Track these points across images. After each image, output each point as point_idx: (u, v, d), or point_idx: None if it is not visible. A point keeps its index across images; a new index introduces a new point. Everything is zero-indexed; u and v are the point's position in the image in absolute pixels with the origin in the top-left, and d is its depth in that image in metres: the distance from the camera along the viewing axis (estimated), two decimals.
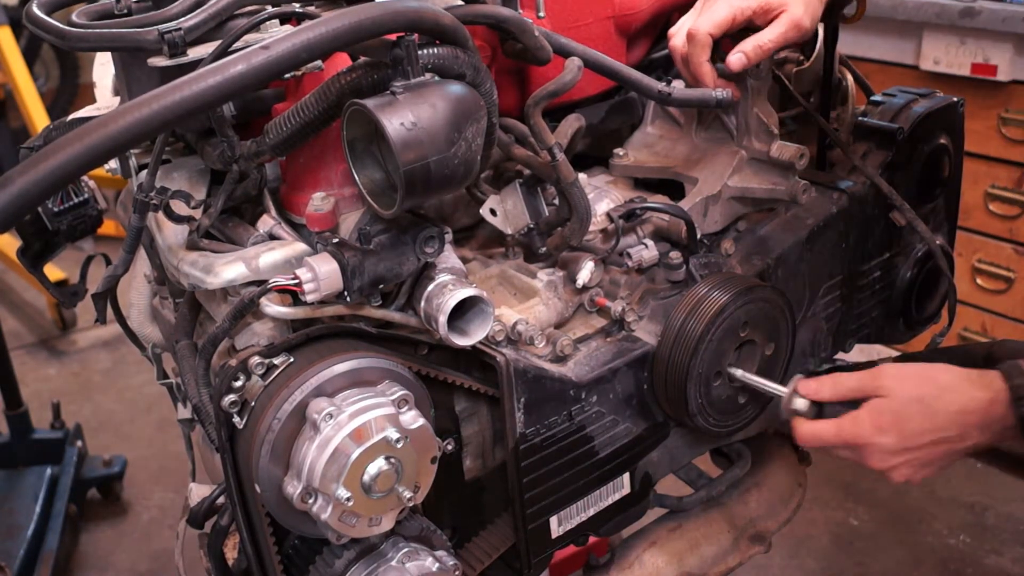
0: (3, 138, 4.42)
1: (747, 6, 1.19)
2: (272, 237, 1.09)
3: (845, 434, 1.14)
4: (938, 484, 2.75)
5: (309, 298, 0.98)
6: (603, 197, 1.29)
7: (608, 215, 1.24)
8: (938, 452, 1.12)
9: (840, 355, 1.49)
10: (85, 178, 1.29)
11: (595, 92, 1.35)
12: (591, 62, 1.16)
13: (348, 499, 0.92)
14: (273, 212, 1.11)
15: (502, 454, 1.16)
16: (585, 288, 1.19)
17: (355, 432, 0.91)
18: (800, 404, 1.18)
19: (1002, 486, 2.73)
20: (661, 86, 1.17)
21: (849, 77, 1.46)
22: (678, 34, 1.25)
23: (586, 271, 1.18)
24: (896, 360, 1.43)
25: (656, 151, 1.38)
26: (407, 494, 0.96)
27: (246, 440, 0.95)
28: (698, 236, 1.24)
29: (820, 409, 1.18)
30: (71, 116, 1.24)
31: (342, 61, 1.04)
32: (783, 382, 1.22)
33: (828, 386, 1.17)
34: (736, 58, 1.19)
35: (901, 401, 1.11)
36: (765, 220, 1.34)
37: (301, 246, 1.06)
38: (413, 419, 0.95)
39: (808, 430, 1.17)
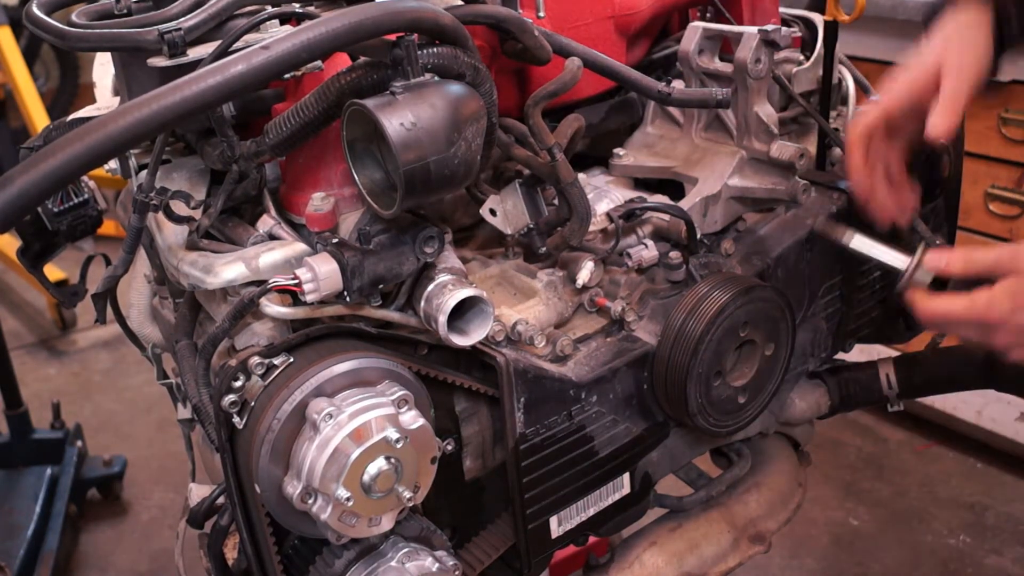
0: (3, 138, 4.42)
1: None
2: (272, 237, 1.09)
3: (978, 311, 1.07)
4: (938, 484, 2.75)
5: (309, 298, 0.98)
6: (603, 197, 1.29)
7: (608, 215, 1.24)
8: None
9: (840, 355, 1.49)
10: (85, 178, 1.29)
11: (595, 92, 1.35)
12: (591, 62, 1.16)
13: (348, 499, 0.92)
14: (273, 212, 1.11)
15: (502, 454, 1.16)
16: (585, 288, 1.19)
17: (355, 432, 0.91)
18: (925, 276, 1.13)
19: (1002, 486, 2.73)
20: (661, 86, 1.17)
21: (849, 77, 1.45)
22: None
23: (586, 271, 1.18)
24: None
25: (656, 151, 1.38)
26: (407, 494, 0.96)
27: (246, 440, 0.95)
28: (698, 236, 1.24)
29: (943, 282, 1.13)
30: (71, 116, 1.24)
31: (342, 61, 1.04)
32: (782, 382, 1.22)
33: (960, 261, 1.11)
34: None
35: None
36: (765, 220, 1.34)
37: (301, 246, 1.06)
38: (413, 419, 0.95)
39: (934, 305, 1.11)
